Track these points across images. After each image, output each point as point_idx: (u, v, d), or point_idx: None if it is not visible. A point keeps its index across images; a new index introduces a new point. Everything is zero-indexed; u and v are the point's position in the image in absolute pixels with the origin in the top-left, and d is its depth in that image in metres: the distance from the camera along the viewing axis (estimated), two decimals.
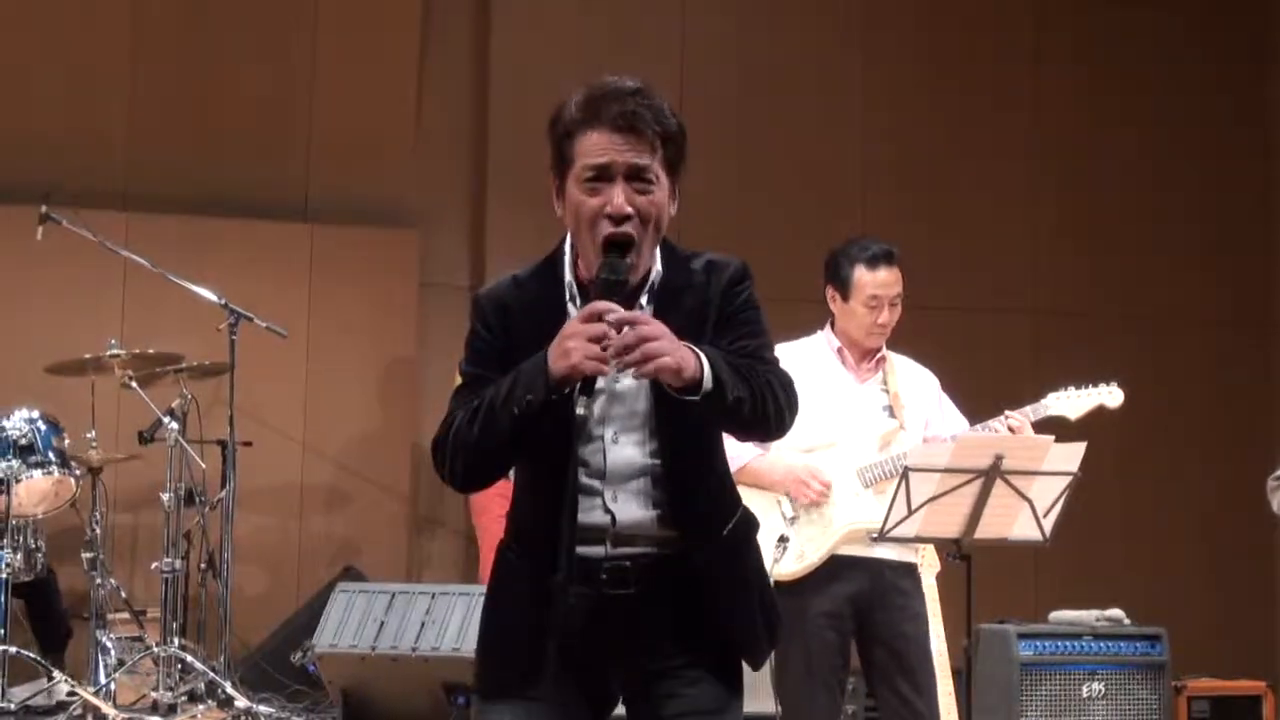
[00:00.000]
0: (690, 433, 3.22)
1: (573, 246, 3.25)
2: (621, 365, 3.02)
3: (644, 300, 3.21)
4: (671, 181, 3.20)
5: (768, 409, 3.19)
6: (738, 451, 5.34)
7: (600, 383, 3.11)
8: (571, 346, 2.99)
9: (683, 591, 3.21)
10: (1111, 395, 5.63)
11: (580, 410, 3.00)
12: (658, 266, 3.24)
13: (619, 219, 3.12)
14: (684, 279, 3.24)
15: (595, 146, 3.13)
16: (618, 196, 3.12)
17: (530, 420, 3.05)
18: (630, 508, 3.19)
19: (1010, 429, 5.35)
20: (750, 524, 3.36)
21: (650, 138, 3.14)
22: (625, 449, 3.19)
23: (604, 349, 2.98)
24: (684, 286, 3.23)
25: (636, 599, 3.19)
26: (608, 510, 3.18)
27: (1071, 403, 5.58)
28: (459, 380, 3.27)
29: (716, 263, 3.28)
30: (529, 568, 3.20)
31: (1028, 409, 5.47)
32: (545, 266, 3.28)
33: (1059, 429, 5.39)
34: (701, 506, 3.25)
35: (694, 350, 3.06)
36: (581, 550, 3.15)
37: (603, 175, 3.12)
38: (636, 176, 3.13)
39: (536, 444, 3.13)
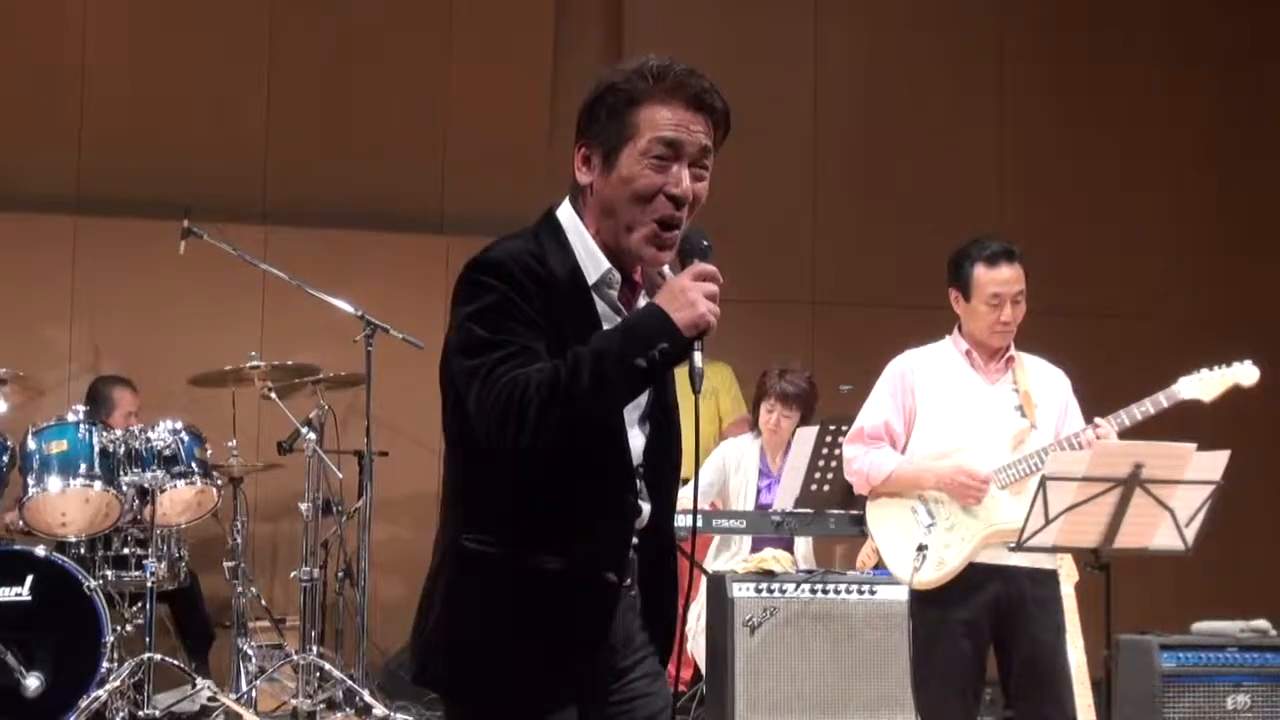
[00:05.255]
0: (672, 418, 3.14)
1: (580, 217, 3.03)
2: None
3: (647, 288, 3.06)
4: None
5: None
6: (883, 460, 5.33)
7: None
8: (695, 298, 2.84)
9: (651, 582, 3.09)
10: (1246, 373, 5.41)
11: (699, 364, 2.86)
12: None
13: (681, 202, 2.95)
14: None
15: (669, 121, 2.95)
16: (685, 179, 2.95)
17: (655, 376, 2.88)
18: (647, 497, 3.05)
19: (1099, 438, 5.21)
20: None
21: (715, 122, 3.00)
22: (637, 437, 3.04)
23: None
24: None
25: (626, 592, 3.03)
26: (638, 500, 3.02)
27: (1204, 384, 5.39)
28: (488, 351, 2.90)
29: None
30: (559, 566, 2.92)
31: (1159, 396, 5.32)
32: (550, 240, 3.03)
33: (1201, 426, 5.27)
34: (675, 496, 3.17)
35: None
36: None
37: (672, 152, 2.95)
38: (699, 161, 2.98)
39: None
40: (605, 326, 2.96)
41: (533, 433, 2.83)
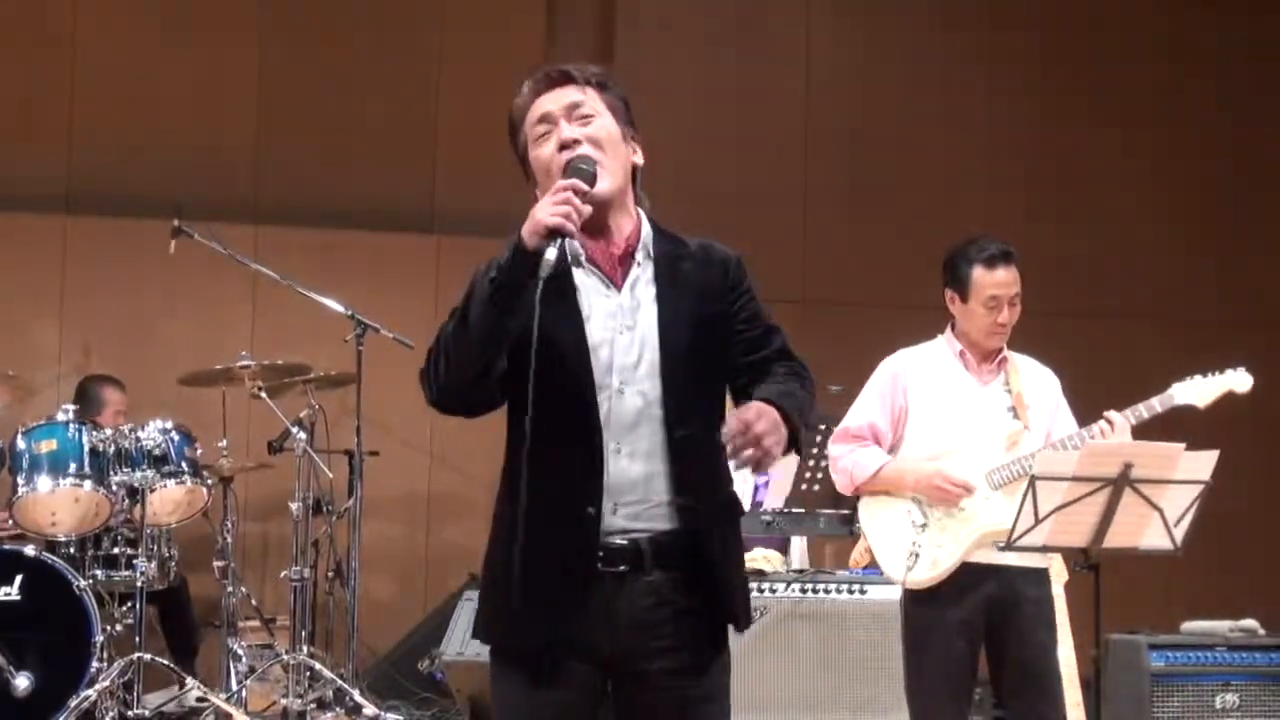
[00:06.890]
0: (695, 384, 3.23)
1: None
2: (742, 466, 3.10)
3: (639, 258, 3.24)
4: (623, 126, 3.27)
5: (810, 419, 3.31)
6: (868, 459, 5.31)
7: (607, 334, 3.18)
8: (535, 210, 3.04)
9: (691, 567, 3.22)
10: (1240, 380, 5.41)
11: (548, 255, 2.99)
12: (646, 227, 3.28)
13: (568, 144, 3.19)
14: (677, 248, 3.29)
15: (536, 108, 3.25)
16: (563, 128, 3.20)
17: (513, 287, 3.03)
18: (636, 465, 3.18)
19: (1108, 422, 5.22)
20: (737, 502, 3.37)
21: (581, 83, 3.25)
22: (631, 399, 3.19)
23: None
24: (680, 255, 3.27)
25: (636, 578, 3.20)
26: (610, 468, 3.16)
27: (1198, 390, 5.39)
28: None
29: (713, 244, 3.34)
30: (552, 539, 3.17)
31: (1153, 401, 5.33)
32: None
33: (1190, 426, 5.27)
34: (707, 471, 3.24)
35: (782, 411, 3.15)
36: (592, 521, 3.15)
37: (547, 124, 3.22)
38: (574, 114, 3.22)
39: (552, 396, 3.09)
40: (580, 293, 3.20)
41: (434, 381, 3.24)
